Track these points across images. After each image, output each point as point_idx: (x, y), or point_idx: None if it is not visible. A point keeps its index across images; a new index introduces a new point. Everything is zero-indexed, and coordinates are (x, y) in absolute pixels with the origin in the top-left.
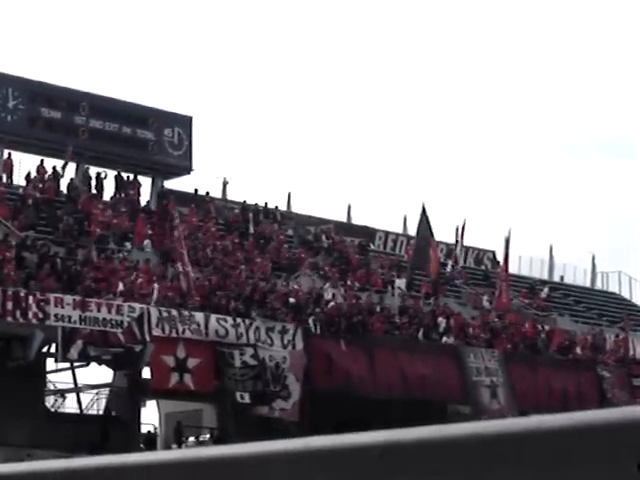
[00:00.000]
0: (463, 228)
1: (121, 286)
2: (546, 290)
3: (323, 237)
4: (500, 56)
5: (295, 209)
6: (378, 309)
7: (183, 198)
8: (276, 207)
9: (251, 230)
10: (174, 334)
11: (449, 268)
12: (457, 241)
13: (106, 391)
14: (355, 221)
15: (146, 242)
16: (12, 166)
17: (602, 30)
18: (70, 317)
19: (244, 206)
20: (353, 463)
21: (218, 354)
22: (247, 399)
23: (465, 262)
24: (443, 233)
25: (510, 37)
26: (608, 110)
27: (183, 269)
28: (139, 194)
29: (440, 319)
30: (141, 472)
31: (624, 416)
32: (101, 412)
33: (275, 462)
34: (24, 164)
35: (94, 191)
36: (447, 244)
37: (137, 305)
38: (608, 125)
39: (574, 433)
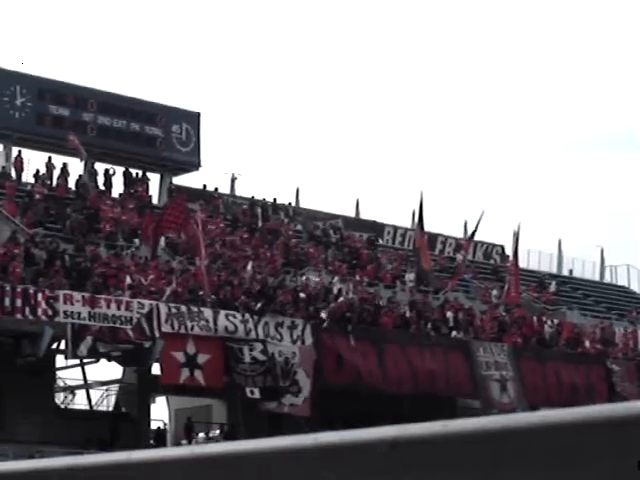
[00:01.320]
0: (479, 220)
1: (129, 280)
2: (553, 284)
3: (331, 232)
4: (508, 53)
5: (303, 204)
6: (387, 304)
7: (191, 194)
8: (289, 203)
9: (259, 225)
10: (183, 330)
11: (460, 258)
12: (473, 232)
13: (116, 387)
14: (364, 216)
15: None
16: (22, 163)
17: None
18: (79, 314)
19: (252, 202)
20: (362, 458)
21: (227, 350)
22: (257, 394)
23: (474, 256)
24: (452, 227)
25: (527, 35)
26: (614, 104)
27: (200, 263)
28: (148, 190)
29: (449, 313)
30: (147, 469)
31: (627, 412)
32: (111, 408)
33: (284, 458)
34: (32, 161)
35: (102, 188)
36: (456, 238)
37: (146, 301)
38: (615, 119)
39: (578, 428)
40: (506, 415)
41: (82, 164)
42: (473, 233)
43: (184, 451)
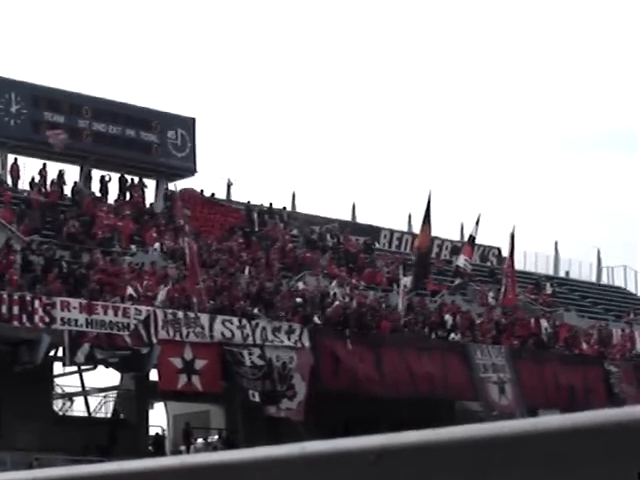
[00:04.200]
0: (477, 223)
1: (129, 289)
2: (548, 286)
3: (328, 236)
4: (506, 53)
5: (300, 209)
6: (384, 307)
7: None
8: (284, 208)
9: (256, 230)
10: (179, 337)
11: (460, 262)
12: (473, 237)
13: (114, 394)
14: (360, 220)
15: (156, 245)
16: (18, 171)
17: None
18: (77, 320)
19: (249, 207)
20: (348, 468)
21: (228, 353)
22: (257, 398)
23: (470, 259)
24: (448, 231)
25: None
26: (611, 104)
27: (189, 244)
28: (144, 197)
29: (447, 316)
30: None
31: (622, 417)
32: (109, 415)
33: (270, 468)
34: (28, 168)
35: (98, 194)
36: (452, 241)
37: (143, 307)
38: (611, 119)
39: (571, 435)
40: (497, 422)
41: (78, 170)
42: (473, 238)
43: (174, 461)
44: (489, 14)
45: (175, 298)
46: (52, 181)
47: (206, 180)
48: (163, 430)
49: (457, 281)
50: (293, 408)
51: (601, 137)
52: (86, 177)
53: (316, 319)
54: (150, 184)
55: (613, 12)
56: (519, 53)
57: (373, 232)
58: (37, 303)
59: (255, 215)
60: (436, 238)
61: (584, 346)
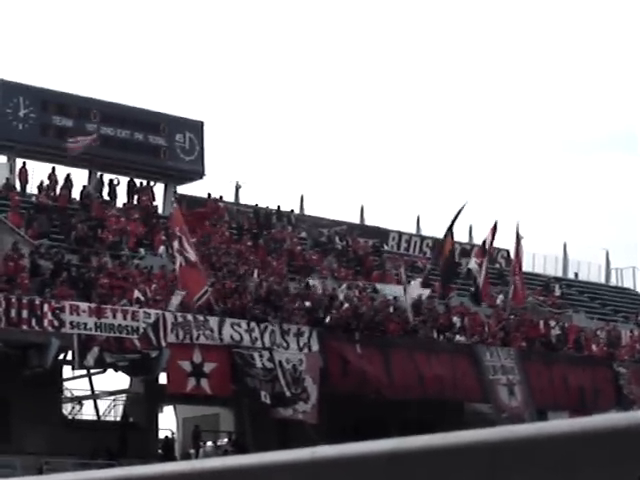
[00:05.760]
0: (494, 229)
1: (136, 293)
2: (557, 287)
3: (336, 239)
4: (509, 54)
5: (308, 211)
6: (392, 310)
7: (196, 203)
8: (292, 210)
9: (264, 233)
10: (188, 340)
11: (472, 265)
12: (485, 242)
13: (123, 397)
14: (368, 222)
15: (162, 248)
16: (26, 175)
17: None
18: (86, 324)
19: (257, 210)
20: (360, 472)
21: (237, 356)
22: (268, 400)
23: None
24: (456, 233)
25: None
26: (618, 105)
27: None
28: (152, 200)
29: (455, 318)
30: None
31: (627, 422)
32: (118, 418)
33: (281, 472)
34: (37, 172)
35: (107, 198)
36: (460, 243)
37: (152, 311)
38: (619, 121)
39: (577, 439)
40: (505, 427)
41: (87, 174)
42: (484, 243)
43: (184, 466)
44: (493, 16)
45: (187, 303)
46: (61, 185)
47: (214, 183)
48: (172, 433)
49: (473, 289)
50: (308, 411)
51: (609, 138)
52: (98, 181)
53: (325, 321)
54: (159, 187)
55: (613, 14)
56: (523, 59)
57: (381, 235)
58: (46, 307)
59: (263, 218)
60: None
61: (593, 347)
